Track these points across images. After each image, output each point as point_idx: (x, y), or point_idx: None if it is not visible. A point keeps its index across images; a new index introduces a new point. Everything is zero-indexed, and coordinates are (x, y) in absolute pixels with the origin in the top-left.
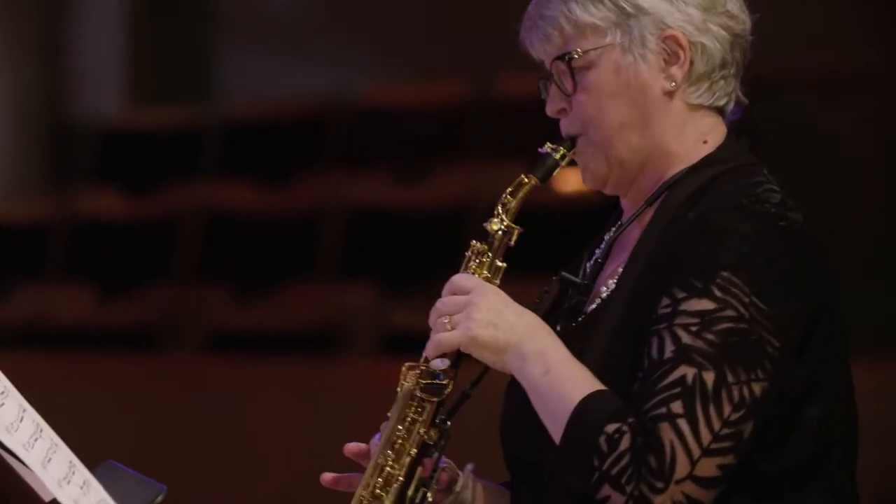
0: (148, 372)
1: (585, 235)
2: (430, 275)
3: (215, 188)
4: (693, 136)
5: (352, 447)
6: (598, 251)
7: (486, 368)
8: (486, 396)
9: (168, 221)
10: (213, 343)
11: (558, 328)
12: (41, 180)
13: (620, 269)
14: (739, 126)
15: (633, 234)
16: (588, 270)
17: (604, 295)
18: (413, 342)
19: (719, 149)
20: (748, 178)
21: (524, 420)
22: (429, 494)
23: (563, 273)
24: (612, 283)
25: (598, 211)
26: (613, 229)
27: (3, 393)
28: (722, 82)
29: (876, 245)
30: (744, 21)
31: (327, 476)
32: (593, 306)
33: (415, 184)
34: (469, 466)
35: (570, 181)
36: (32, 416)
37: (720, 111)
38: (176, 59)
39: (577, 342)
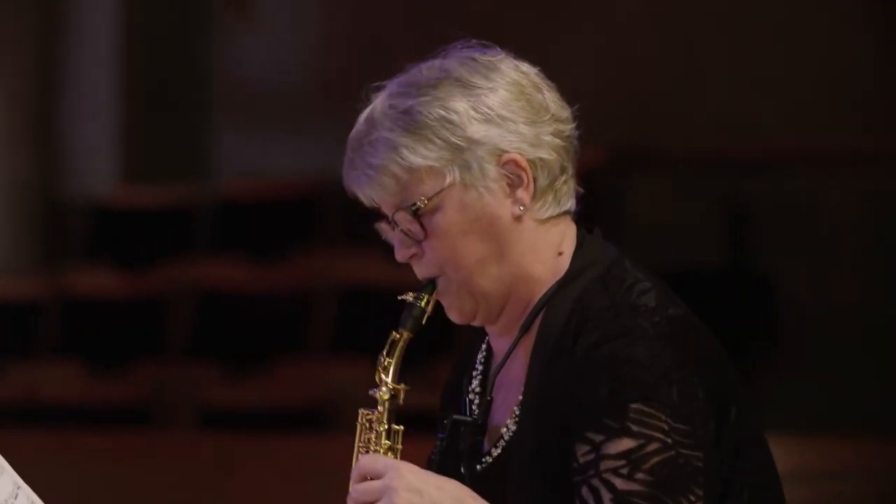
0: (139, 449)
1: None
2: (423, 353)
3: (207, 265)
4: (548, 251)
5: None
6: (475, 382)
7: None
8: None
9: (160, 298)
10: (205, 420)
11: (462, 471)
12: (33, 257)
13: (516, 409)
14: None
15: (515, 365)
16: (474, 406)
17: (506, 436)
18: (405, 420)
19: (576, 255)
20: (617, 285)
21: None
22: None
23: (455, 416)
24: (510, 423)
25: None
26: (481, 356)
27: None
28: (564, 188)
29: (876, 320)
30: (568, 118)
31: None
32: (497, 450)
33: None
34: None
35: None
36: (27, 493)
37: (567, 212)
38: (169, 136)
39: (489, 488)
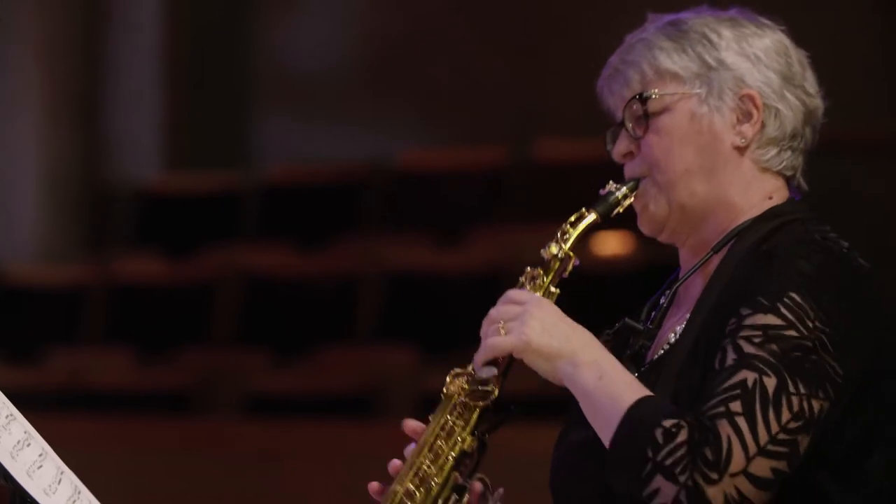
0: (185, 435)
1: (623, 299)
2: (468, 338)
3: (253, 252)
4: (759, 193)
5: (375, 486)
6: (662, 299)
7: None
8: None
9: (206, 285)
10: (251, 406)
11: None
12: (80, 244)
13: (688, 315)
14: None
15: (697, 284)
16: (651, 317)
17: (671, 340)
18: None
19: (784, 204)
20: (818, 227)
21: (574, 471)
22: (462, 501)
23: (627, 319)
24: (679, 328)
25: (636, 275)
26: (667, 293)
27: (41, 455)
28: (790, 153)
29: None
30: (817, 103)
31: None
32: (660, 352)
33: (452, 248)
34: (499, 490)
35: (609, 244)
36: (70, 478)
37: (786, 180)
38: (214, 123)
39: (646, 386)
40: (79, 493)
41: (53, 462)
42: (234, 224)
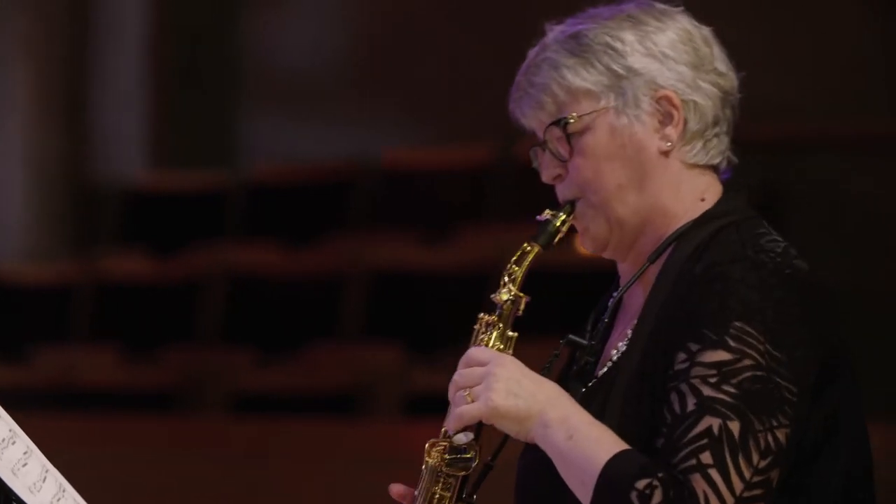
0: (171, 433)
1: (597, 297)
2: (454, 336)
3: (239, 250)
4: (690, 194)
5: (397, 488)
6: (604, 314)
7: (506, 438)
8: (509, 466)
9: (192, 283)
10: (237, 405)
11: (570, 391)
12: (66, 243)
13: (629, 331)
14: (733, 184)
15: (638, 295)
16: (594, 332)
17: (615, 357)
18: (437, 403)
19: (718, 204)
20: (751, 230)
21: (538, 483)
22: None
23: (571, 336)
24: (622, 345)
25: (609, 273)
26: (615, 293)
27: (26, 453)
28: (715, 140)
29: None
30: (731, 79)
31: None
32: (605, 369)
33: (438, 246)
34: None
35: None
36: (55, 476)
37: (714, 169)
38: (200, 122)
39: (593, 404)
40: (63, 491)
41: (38, 460)
42: (221, 222)
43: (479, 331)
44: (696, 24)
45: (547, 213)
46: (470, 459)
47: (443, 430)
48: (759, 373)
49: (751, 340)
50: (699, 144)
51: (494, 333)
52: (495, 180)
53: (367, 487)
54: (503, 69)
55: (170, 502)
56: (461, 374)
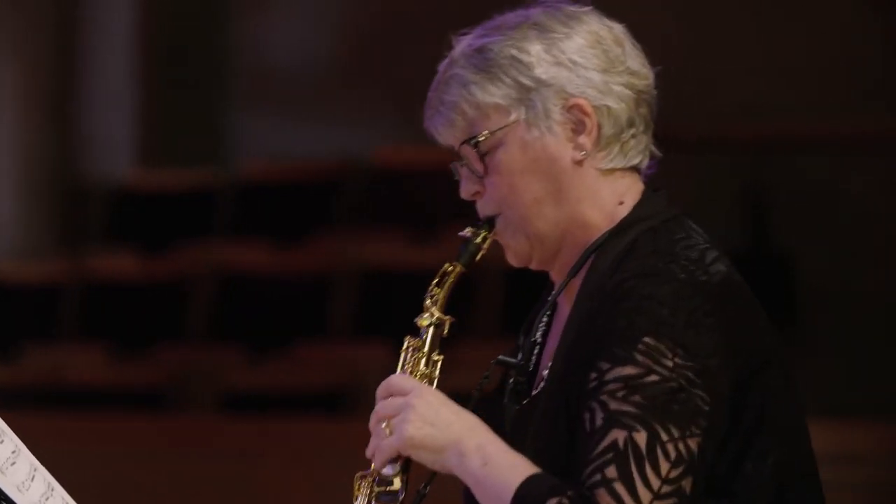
0: (160, 432)
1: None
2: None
3: (228, 248)
4: (610, 200)
5: None
6: (537, 329)
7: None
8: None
9: (181, 282)
10: (226, 403)
11: (506, 411)
12: (54, 241)
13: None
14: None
15: (564, 305)
16: (527, 349)
17: (545, 378)
18: None
19: (636, 207)
20: (668, 237)
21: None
22: None
23: (501, 357)
24: (551, 365)
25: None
26: (546, 304)
27: (14, 452)
28: (632, 141)
29: (891, 300)
30: (646, 76)
31: None
32: (538, 390)
33: (427, 244)
34: None
35: None
36: (44, 475)
37: (635, 169)
38: (189, 120)
39: (525, 426)
40: (52, 490)
41: (27, 459)
42: (210, 221)
43: (404, 355)
44: (607, 22)
45: (468, 231)
46: (397, 493)
47: (371, 467)
48: (668, 384)
49: (659, 356)
50: (616, 148)
51: (420, 357)
52: None
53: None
54: None
55: (159, 501)
56: (382, 405)
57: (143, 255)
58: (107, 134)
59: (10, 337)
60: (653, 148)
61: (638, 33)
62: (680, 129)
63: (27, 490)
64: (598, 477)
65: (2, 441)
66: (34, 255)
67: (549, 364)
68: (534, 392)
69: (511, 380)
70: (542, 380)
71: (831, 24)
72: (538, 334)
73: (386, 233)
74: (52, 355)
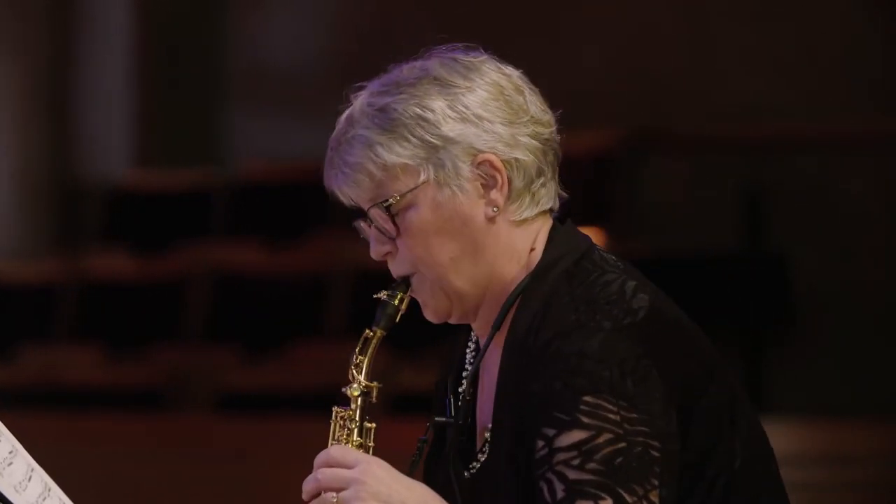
0: (156, 432)
1: None
2: (439, 336)
3: (224, 249)
4: (524, 250)
5: None
6: (464, 383)
7: None
8: None
9: (177, 282)
10: (222, 403)
11: (453, 475)
12: (50, 241)
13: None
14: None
15: (492, 358)
16: (458, 404)
17: (487, 437)
18: (422, 403)
19: (547, 250)
20: (583, 278)
21: None
22: None
23: (436, 418)
24: (490, 425)
25: None
26: (470, 354)
27: (11, 453)
28: (542, 190)
29: (893, 304)
30: (549, 122)
31: None
32: (483, 455)
33: None
34: None
35: None
36: (41, 475)
37: (546, 212)
38: (185, 120)
39: (479, 495)
40: (49, 490)
41: (24, 459)
42: (206, 221)
43: (335, 427)
44: (505, 70)
45: (383, 294)
46: None
47: None
48: (620, 445)
49: (603, 413)
50: (527, 199)
51: (352, 428)
52: None
53: None
54: None
55: (156, 501)
56: (325, 474)
57: (139, 254)
58: (103, 134)
59: (7, 337)
60: (560, 190)
61: (639, 33)
62: (680, 129)
63: (24, 490)
64: None
65: None
66: (31, 255)
67: (490, 426)
68: (479, 454)
69: (454, 438)
70: (486, 442)
71: (831, 25)
72: (466, 387)
73: None
74: (48, 355)
